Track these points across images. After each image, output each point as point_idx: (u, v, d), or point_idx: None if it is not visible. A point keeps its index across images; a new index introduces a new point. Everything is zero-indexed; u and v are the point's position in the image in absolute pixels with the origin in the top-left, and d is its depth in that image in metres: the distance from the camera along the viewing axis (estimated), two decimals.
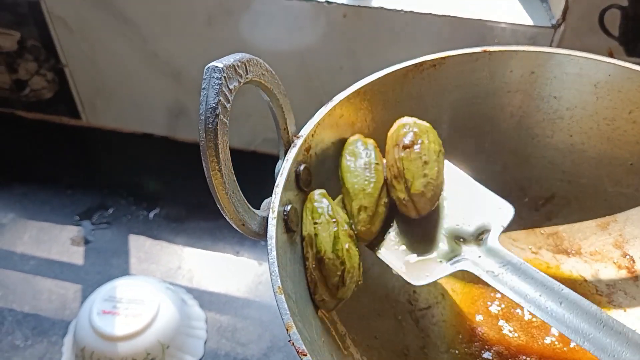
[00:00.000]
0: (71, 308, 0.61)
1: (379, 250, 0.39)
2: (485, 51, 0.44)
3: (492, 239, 0.38)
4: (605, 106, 0.44)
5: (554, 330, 0.41)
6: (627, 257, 0.44)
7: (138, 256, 0.66)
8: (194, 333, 0.58)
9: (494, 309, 0.43)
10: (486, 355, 0.40)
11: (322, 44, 0.63)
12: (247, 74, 0.32)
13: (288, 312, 0.29)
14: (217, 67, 0.30)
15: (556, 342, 0.41)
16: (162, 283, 0.59)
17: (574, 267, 0.45)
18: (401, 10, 0.58)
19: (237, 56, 0.32)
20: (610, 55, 0.55)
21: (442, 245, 0.39)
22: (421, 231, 0.40)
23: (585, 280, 0.44)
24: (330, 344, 0.34)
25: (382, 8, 0.58)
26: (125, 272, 0.64)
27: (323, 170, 0.39)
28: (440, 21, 0.58)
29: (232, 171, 0.31)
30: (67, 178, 0.75)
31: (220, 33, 0.65)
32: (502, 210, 0.39)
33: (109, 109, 0.78)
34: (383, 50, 0.61)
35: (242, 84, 0.32)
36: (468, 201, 0.40)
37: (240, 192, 0.31)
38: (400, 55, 0.61)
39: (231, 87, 0.30)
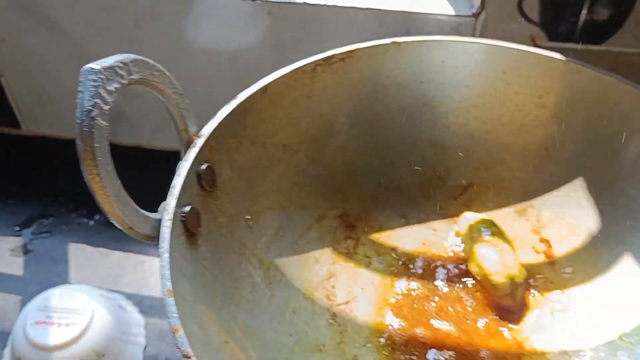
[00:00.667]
0: (11, 319, 0.60)
1: None
2: (394, 42, 0.44)
3: None
4: (516, 92, 0.44)
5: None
6: (544, 241, 0.44)
7: (78, 264, 0.65)
8: (132, 340, 0.57)
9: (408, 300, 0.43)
10: (401, 347, 0.40)
11: (251, 42, 0.62)
12: (131, 74, 0.32)
13: (176, 315, 0.29)
14: (92, 69, 0.29)
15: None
16: (97, 291, 0.59)
17: None
18: (324, 4, 0.58)
19: (120, 57, 0.31)
20: (533, 41, 0.55)
21: None
22: None
23: None
24: (237, 344, 0.34)
25: (305, 3, 0.58)
26: (65, 280, 0.64)
27: (231, 170, 0.39)
28: (364, 14, 0.58)
29: (115, 174, 0.30)
30: (9, 188, 0.74)
31: (148, 35, 0.64)
32: None
33: (48, 117, 0.77)
34: (310, 45, 0.61)
35: (125, 85, 0.31)
36: None
37: (126, 194, 0.31)
38: (328, 50, 0.61)
39: (110, 88, 0.30)
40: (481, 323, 0.41)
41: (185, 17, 0.62)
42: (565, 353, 0.39)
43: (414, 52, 0.44)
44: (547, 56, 0.42)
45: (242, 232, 0.40)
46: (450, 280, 0.44)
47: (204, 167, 0.36)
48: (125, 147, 0.77)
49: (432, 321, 0.41)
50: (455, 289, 0.43)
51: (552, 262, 0.43)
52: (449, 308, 0.42)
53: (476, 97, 0.45)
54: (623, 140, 0.41)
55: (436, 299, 0.43)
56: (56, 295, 0.56)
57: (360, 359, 0.39)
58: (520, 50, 0.42)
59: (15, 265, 0.66)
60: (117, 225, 0.31)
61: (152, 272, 0.64)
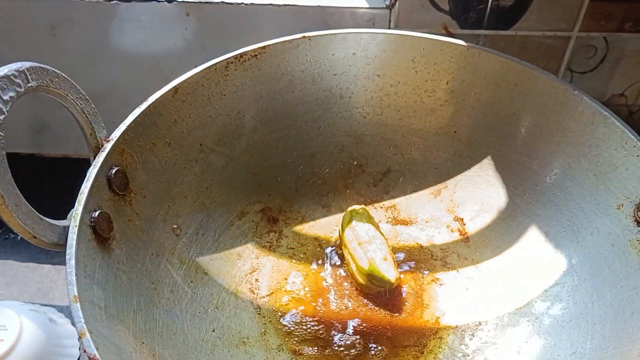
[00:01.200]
0: None
1: None
2: (304, 37, 0.45)
3: None
4: (425, 79, 0.46)
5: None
6: (458, 220, 0.46)
7: (5, 280, 0.64)
8: (65, 352, 0.56)
9: (330, 290, 0.44)
10: (322, 332, 0.41)
11: (172, 44, 0.62)
12: (29, 82, 0.31)
13: (82, 319, 0.29)
14: None
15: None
16: (24, 305, 0.57)
17: (410, 235, 0.46)
18: (242, 3, 0.58)
19: (15, 65, 0.31)
20: (445, 29, 0.57)
21: None
22: None
23: (421, 247, 0.46)
24: (154, 344, 0.34)
25: (222, 2, 0.58)
26: None
27: (145, 172, 0.39)
28: (281, 10, 0.58)
29: (12, 183, 0.30)
30: None
31: (66, 42, 0.63)
32: None
33: None
34: (231, 44, 0.61)
35: (22, 93, 0.31)
36: None
37: (27, 204, 0.31)
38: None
39: (6, 97, 0.30)
40: (400, 304, 0.42)
41: (103, 22, 0.61)
42: (480, 324, 0.41)
43: (325, 46, 0.45)
44: (451, 42, 0.44)
45: (160, 234, 0.40)
46: None
47: (114, 170, 0.36)
48: (51, 157, 0.75)
49: (355, 304, 0.42)
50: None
51: (466, 239, 0.45)
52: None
53: (388, 87, 0.46)
54: (524, 118, 0.43)
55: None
56: None
57: (284, 347, 0.40)
58: (425, 38, 0.44)
59: None
60: (19, 234, 0.30)
61: None
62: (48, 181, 0.73)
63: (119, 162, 0.37)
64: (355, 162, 0.48)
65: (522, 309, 0.40)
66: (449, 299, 0.42)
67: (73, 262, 0.31)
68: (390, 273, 0.41)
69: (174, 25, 0.60)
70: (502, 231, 0.44)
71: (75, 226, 0.32)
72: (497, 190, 0.45)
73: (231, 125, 0.45)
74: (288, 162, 0.47)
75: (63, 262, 0.64)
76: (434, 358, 0.39)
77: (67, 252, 0.31)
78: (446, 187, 0.47)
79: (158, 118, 0.40)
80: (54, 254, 0.66)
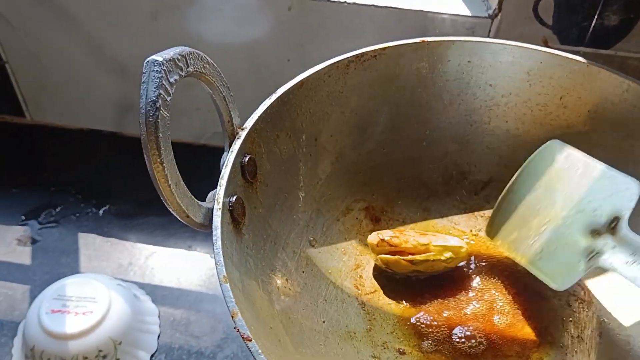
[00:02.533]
0: (20, 309, 0.60)
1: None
2: (424, 42, 0.45)
3: (625, 226, 0.38)
4: (538, 92, 0.46)
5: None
6: None
7: (88, 254, 0.65)
8: (147, 328, 0.58)
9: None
10: (428, 335, 0.41)
11: (269, 37, 0.63)
12: (188, 67, 0.32)
13: (233, 299, 0.30)
14: (156, 60, 0.30)
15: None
16: (112, 280, 0.59)
17: None
18: (344, 2, 0.59)
19: (177, 49, 0.32)
20: (545, 43, 0.57)
21: (581, 242, 0.39)
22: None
23: None
24: (279, 330, 0.35)
25: (326, 0, 0.59)
26: (75, 270, 0.64)
27: (272, 161, 0.40)
28: (383, 12, 0.59)
29: (175, 164, 0.31)
30: (13, 177, 0.73)
31: (166, 27, 0.64)
32: (627, 190, 0.39)
33: (54, 106, 0.76)
34: (329, 41, 0.62)
35: (183, 77, 0.32)
36: (597, 188, 0.40)
37: (184, 184, 0.32)
38: (346, 47, 0.62)
39: (171, 80, 0.31)
40: (502, 314, 0.43)
41: (203, 11, 0.62)
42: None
43: (443, 51, 0.46)
44: (571, 58, 0.44)
45: (277, 224, 0.41)
46: (470, 271, 0.46)
47: (246, 158, 0.37)
48: (132, 138, 0.77)
49: (456, 306, 0.43)
50: (475, 277, 0.45)
51: None
52: (470, 293, 0.44)
53: (499, 97, 0.47)
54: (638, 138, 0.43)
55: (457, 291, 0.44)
56: (71, 284, 0.57)
57: (389, 345, 0.40)
58: (545, 52, 0.44)
59: (22, 255, 0.66)
60: (174, 213, 0.31)
61: (162, 262, 0.65)
62: (127, 160, 0.75)
63: (250, 150, 0.38)
64: (458, 169, 0.49)
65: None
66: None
67: (220, 243, 0.32)
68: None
69: (275, 18, 0.62)
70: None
71: (219, 209, 0.33)
72: None
73: (343, 123, 0.46)
74: (393, 162, 0.48)
75: (142, 241, 0.66)
76: None
77: (214, 233, 0.32)
78: None
79: (283, 110, 0.41)
80: (134, 231, 0.67)
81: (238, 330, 0.29)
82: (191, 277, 0.64)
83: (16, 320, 0.59)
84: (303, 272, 0.41)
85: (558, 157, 0.42)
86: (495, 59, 0.46)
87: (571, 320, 0.42)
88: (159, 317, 0.60)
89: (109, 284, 0.57)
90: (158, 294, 0.62)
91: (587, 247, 0.39)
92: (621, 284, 0.39)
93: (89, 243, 0.66)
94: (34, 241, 0.67)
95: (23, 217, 0.69)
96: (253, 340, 0.28)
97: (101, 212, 0.69)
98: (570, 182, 0.41)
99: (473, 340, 0.41)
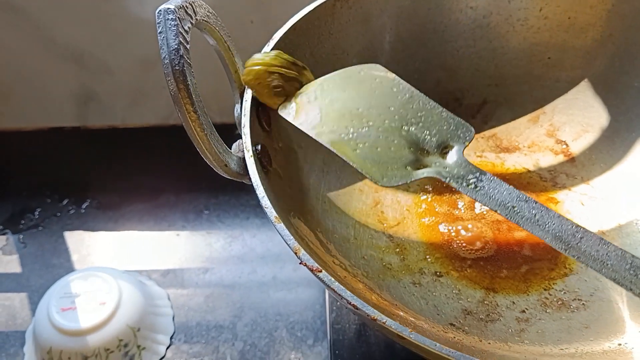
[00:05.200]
0: (22, 317, 0.58)
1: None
2: None
3: (458, 153, 0.37)
4: (517, 8, 0.47)
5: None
6: (561, 142, 0.48)
7: (79, 252, 0.63)
8: (161, 311, 0.57)
9: (456, 212, 0.45)
10: (458, 255, 0.42)
11: (227, 1, 0.62)
12: (196, 15, 0.31)
13: (292, 237, 0.29)
14: (169, 8, 0.29)
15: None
16: (115, 270, 0.57)
17: (516, 161, 0.48)
18: None
19: None
20: None
21: (406, 153, 0.37)
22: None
23: (529, 171, 0.47)
24: (327, 262, 0.35)
25: None
26: (70, 269, 0.61)
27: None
28: None
29: (206, 112, 0.30)
30: None
31: (116, 6, 0.62)
32: (462, 130, 0.38)
33: (7, 109, 0.72)
34: None
35: (193, 25, 0.31)
36: (427, 115, 0.39)
37: (216, 132, 0.31)
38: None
39: (186, 28, 0.30)
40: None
41: None
42: (603, 233, 0.43)
43: None
44: None
45: (297, 169, 0.41)
46: None
47: (260, 107, 0.37)
48: (98, 129, 0.74)
49: (474, 223, 0.44)
50: None
51: (571, 160, 0.47)
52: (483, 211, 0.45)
53: (481, 18, 0.48)
54: (619, 38, 0.45)
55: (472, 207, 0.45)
56: (75, 281, 0.55)
57: (425, 270, 0.41)
58: None
59: (10, 264, 0.63)
60: (211, 163, 0.31)
61: (158, 246, 0.63)
62: (97, 153, 0.72)
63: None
64: (451, 96, 0.50)
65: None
66: (568, 215, 0.44)
67: (262, 188, 0.31)
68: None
69: None
70: (608, 148, 0.46)
71: (251, 156, 0.33)
72: (597, 110, 0.47)
73: (337, 65, 0.45)
74: None
75: (131, 228, 0.64)
76: (569, 268, 0.41)
77: (253, 179, 0.32)
78: (544, 112, 0.49)
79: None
80: (121, 220, 0.65)
81: (305, 264, 0.28)
82: (191, 255, 0.63)
83: (20, 329, 0.57)
84: (328, 215, 0.41)
85: (384, 77, 0.40)
86: None
87: None
88: (168, 299, 0.59)
89: (113, 273, 0.55)
90: (162, 277, 0.61)
91: (414, 159, 0.37)
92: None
93: (78, 240, 0.64)
94: (19, 248, 0.64)
95: (1, 227, 0.65)
96: (323, 271, 0.28)
97: (83, 207, 0.67)
98: (397, 103, 0.38)
99: (498, 256, 0.42)
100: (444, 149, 0.37)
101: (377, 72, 0.39)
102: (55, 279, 0.56)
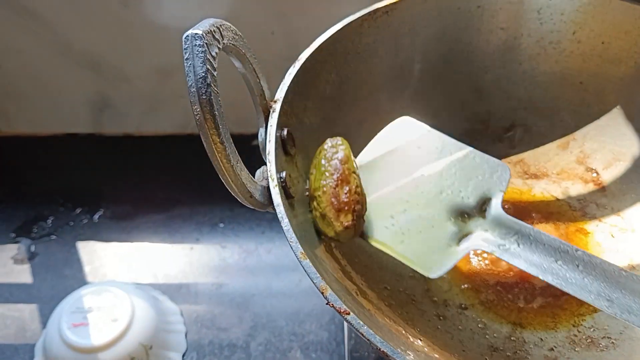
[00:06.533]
0: (32, 330, 0.57)
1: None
2: None
3: (496, 208, 0.36)
4: (550, 30, 0.46)
5: None
6: (591, 170, 0.47)
7: (92, 262, 0.62)
8: (173, 328, 0.56)
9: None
10: (484, 289, 0.41)
11: (248, 11, 0.61)
12: (223, 39, 0.30)
13: (318, 275, 0.28)
14: (197, 34, 0.28)
15: None
16: (128, 284, 0.56)
17: (544, 188, 0.47)
18: None
19: (210, 21, 0.30)
20: None
21: (449, 226, 0.36)
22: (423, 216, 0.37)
23: (557, 199, 0.46)
24: (353, 295, 0.34)
25: None
26: (81, 281, 0.60)
27: (304, 132, 0.38)
28: None
29: (232, 142, 0.29)
30: None
31: (137, 14, 0.61)
32: (497, 173, 0.37)
33: (23, 114, 0.72)
34: (312, 8, 0.60)
35: (220, 50, 0.30)
36: (461, 169, 0.38)
37: (242, 163, 0.30)
38: (332, 11, 0.60)
39: (213, 53, 0.29)
40: None
41: None
42: (634, 268, 0.41)
43: (451, 0, 0.44)
44: None
45: None
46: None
47: (285, 131, 0.35)
48: (113, 136, 0.73)
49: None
50: None
51: (602, 189, 0.46)
52: None
53: (512, 39, 0.46)
54: None
55: None
56: (87, 295, 0.54)
57: (450, 302, 0.40)
58: None
59: (22, 274, 0.62)
60: (236, 194, 0.29)
61: (172, 259, 0.62)
62: (112, 161, 0.71)
63: (285, 122, 0.36)
64: (477, 118, 0.48)
65: None
66: (597, 247, 0.43)
67: (287, 220, 0.30)
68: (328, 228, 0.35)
69: None
70: None
71: (276, 185, 0.31)
72: (629, 139, 0.45)
73: (362, 87, 0.44)
74: None
75: (145, 239, 0.63)
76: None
77: (278, 210, 0.31)
78: (574, 139, 0.47)
79: (307, 78, 0.39)
80: (134, 232, 0.64)
81: (332, 306, 0.27)
82: (205, 270, 0.62)
83: (30, 342, 0.56)
84: (352, 242, 0.40)
85: (411, 133, 0.39)
86: (505, 0, 0.45)
87: None
88: (181, 315, 0.58)
89: (126, 289, 0.54)
90: (175, 292, 0.60)
91: (457, 230, 0.36)
92: None
93: (90, 251, 0.63)
94: (31, 257, 0.63)
95: (13, 235, 0.65)
96: (352, 314, 0.27)
97: (96, 217, 0.66)
98: (428, 161, 0.38)
99: (526, 290, 0.41)
100: (482, 206, 0.37)
101: (406, 129, 0.39)
102: (67, 291, 0.55)
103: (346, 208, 0.34)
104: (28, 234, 0.65)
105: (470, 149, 0.39)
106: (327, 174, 0.35)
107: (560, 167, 0.47)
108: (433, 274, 0.35)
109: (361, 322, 0.26)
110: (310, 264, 0.28)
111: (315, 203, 0.35)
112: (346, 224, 0.34)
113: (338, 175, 0.34)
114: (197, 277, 0.61)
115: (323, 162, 0.35)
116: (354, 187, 0.34)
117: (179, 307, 0.58)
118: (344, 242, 0.35)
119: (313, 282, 0.28)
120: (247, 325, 0.57)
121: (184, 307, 0.59)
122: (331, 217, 0.34)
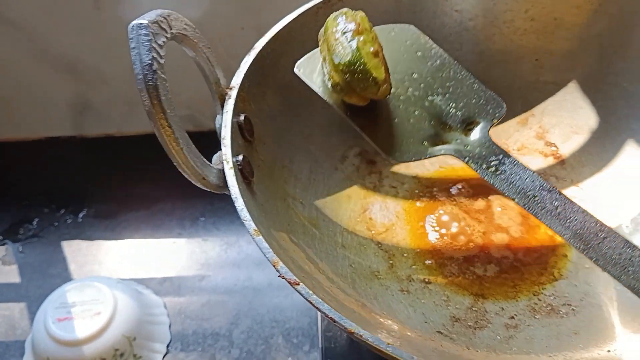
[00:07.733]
0: (22, 327, 0.58)
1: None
2: None
3: (483, 130, 0.36)
4: (503, 10, 0.47)
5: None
6: (550, 144, 0.48)
7: (76, 261, 0.64)
8: (157, 320, 0.57)
9: (443, 218, 0.45)
10: (448, 262, 0.42)
11: (217, 8, 0.62)
12: (171, 28, 0.31)
13: (270, 249, 0.29)
14: (141, 23, 0.29)
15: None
16: (111, 279, 0.58)
17: None
18: None
19: (157, 12, 0.31)
20: None
21: (426, 126, 0.36)
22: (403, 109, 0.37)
23: None
24: (310, 273, 0.35)
25: None
26: (67, 279, 0.62)
27: (264, 117, 0.40)
28: None
29: (182, 126, 0.30)
30: None
31: (110, 14, 0.62)
32: (492, 104, 0.37)
33: (3, 120, 0.73)
34: (281, 3, 0.61)
35: (168, 39, 0.31)
36: (456, 87, 0.38)
37: (194, 146, 0.31)
38: (300, 1, 0.61)
39: (160, 42, 0.30)
40: (512, 225, 0.44)
41: None
42: None
43: None
44: None
45: (282, 179, 0.41)
46: (468, 194, 0.46)
47: (242, 117, 0.37)
48: (94, 138, 0.74)
49: (466, 229, 0.44)
50: (474, 200, 0.46)
51: (561, 162, 0.47)
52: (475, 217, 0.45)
53: (467, 21, 0.47)
54: (607, 37, 0.45)
55: (462, 214, 0.45)
56: (71, 291, 0.55)
57: (414, 277, 0.41)
58: None
59: (10, 274, 0.63)
60: (189, 177, 0.31)
61: (155, 254, 0.64)
62: (94, 161, 0.72)
63: (242, 108, 0.38)
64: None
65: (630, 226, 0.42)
66: None
67: (241, 200, 0.31)
68: (378, 70, 0.34)
69: None
70: (597, 150, 0.46)
71: (231, 168, 0.33)
72: (586, 112, 0.47)
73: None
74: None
75: (129, 236, 0.64)
76: (559, 273, 0.41)
77: (232, 192, 0.32)
78: (533, 114, 0.48)
79: (264, 65, 0.41)
80: (118, 229, 0.66)
81: (283, 277, 0.28)
82: (187, 263, 0.63)
83: (20, 339, 0.57)
84: (315, 223, 0.41)
85: (415, 40, 0.39)
86: None
87: None
88: (165, 307, 0.59)
89: (109, 283, 0.56)
90: (159, 285, 0.61)
91: (433, 134, 0.36)
92: None
93: (75, 250, 0.64)
94: (18, 258, 0.64)
95: (0, 237, 0.66)
96: (301, 284, 0.28)
97: (80, 217, 0.67)
98: (425, 69, 0.38)
99: (487, 262, 0.42)
100: (468, 125, 0.37)
101: (409, 33, 0.39)
102: (54, 289, 0.56)
103: (380, 55, 0.34)
104: (15, 236, 0.66)
105: (470, 75, 0.38)
106: (347, 35, 0.34)
107: (521, 143, 0.48)
108: (396, 157, 0.35)
109: (310, 292, 0.28)
110: (263, 240, 0.30)
111: (346, 76, 0.34)
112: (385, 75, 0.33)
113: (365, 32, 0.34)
114: (180, 271, 0.62)
115: (336, 34, 0.35)
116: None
117: (163, 300, 0.60)
118: (383, 98, 0.35)
119: (266, 257, 0.29)
120: (230, 314, 0.59)
121: (168, 299, 0.60)
122: (371, 68, 0.33)
